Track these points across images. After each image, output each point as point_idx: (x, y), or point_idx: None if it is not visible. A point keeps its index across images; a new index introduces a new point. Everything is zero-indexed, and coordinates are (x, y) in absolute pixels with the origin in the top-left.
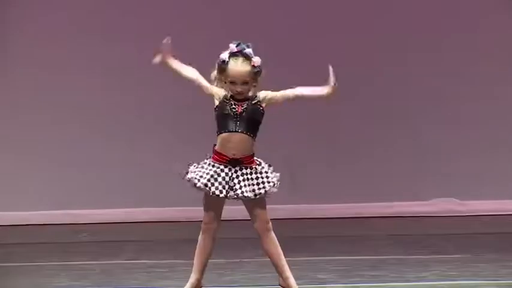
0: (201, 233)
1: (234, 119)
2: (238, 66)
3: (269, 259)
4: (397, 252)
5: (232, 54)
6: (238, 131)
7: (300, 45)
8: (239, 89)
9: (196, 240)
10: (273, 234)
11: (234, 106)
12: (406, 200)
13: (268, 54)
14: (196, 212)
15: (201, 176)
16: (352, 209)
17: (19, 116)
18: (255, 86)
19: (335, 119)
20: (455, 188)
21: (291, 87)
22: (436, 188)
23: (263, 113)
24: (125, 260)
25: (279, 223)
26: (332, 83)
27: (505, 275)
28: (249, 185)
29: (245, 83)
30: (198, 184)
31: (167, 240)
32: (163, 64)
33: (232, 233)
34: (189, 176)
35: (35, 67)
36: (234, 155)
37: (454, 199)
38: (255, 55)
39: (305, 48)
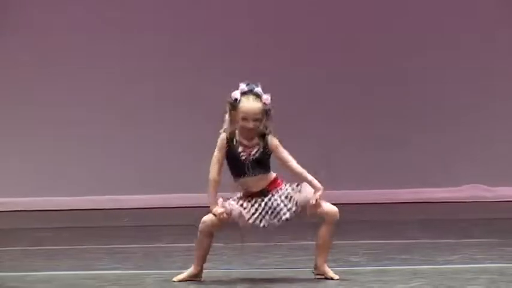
0: (200, 232)
1: (246, 165)
2: (250, 103)
3: (315, 242)
4: (426, 237)
5: (244, 93)
6: (252, 175)
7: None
8: (251, 125)
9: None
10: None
11: (242, 154)
12: (435, 186)
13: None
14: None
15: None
16: (383, 195)
17: (65, 110)
18: (266, 122)
19: (367, 107)
20: (484, 174)
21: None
22: (465, 175)
23: (270, 154)
24: (165, 243)
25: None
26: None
27: None
28: (285, 205)
29: (256, 119)
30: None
31: None
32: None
33: None
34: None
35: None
36: (260, 190)
37: (482, 185)
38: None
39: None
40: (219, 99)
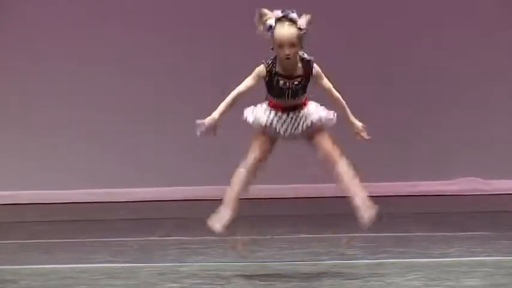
0: (245, 169)
1: (286, 93)
2: (285, 30)
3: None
4: (422, 230)
5: (278, 19)
6: (290, 99)
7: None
8: (287, 51)
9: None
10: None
11: (283, 86)
12: (431, 179)
13: None
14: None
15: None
16: (379, 188)
17: (59, 100)
18: (302, 48)
19: (361, 101)
20: (480, 168)
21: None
22: (461, 168)
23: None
24: (159, 237)
25: (304, 202)
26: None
27: None
28: (303, 122)
29: (292, 45)
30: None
31: (199, 218)
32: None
33: (264, 211)
34: (250, 118)
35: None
36: (289, 105)
37: (479, 178)
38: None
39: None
40: (216, 94)
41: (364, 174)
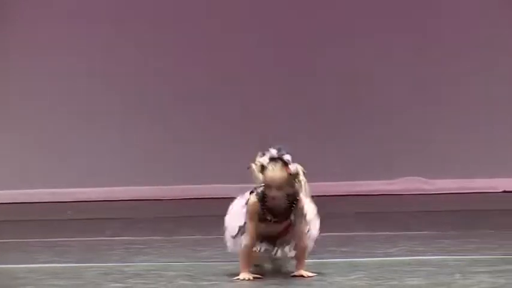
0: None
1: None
2: (275, 172)
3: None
4: (365, 229)
5: (272, 159)
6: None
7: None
8: (273, 193)
9: (174, 218)
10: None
11: (271, 224)
12: (373, 179)
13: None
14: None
15: None
16: (320, 188)
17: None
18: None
19: (303, 98)
20: (422, 167)
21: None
22: (403, 167)
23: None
24: (106, 237)
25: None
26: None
27: (470, 250)
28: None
29: (280, 188)
30: None
31: (147, 218)
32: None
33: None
34: None
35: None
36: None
37: (421, 178)
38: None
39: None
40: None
41: (308, 174)
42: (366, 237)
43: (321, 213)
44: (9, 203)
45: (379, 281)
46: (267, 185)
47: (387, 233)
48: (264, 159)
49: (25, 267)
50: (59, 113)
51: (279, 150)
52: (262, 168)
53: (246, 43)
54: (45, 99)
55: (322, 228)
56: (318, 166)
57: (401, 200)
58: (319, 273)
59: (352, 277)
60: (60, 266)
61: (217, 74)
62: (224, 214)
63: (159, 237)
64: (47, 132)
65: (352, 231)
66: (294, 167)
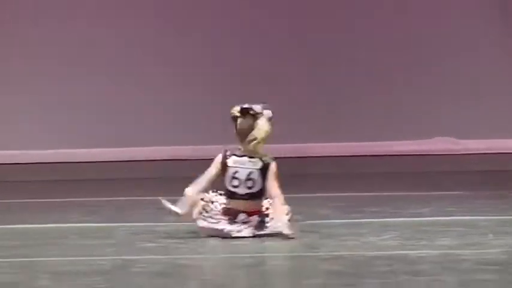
0: None
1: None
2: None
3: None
4: (396, 189)
5: (242, 112)
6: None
7: None
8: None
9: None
10: None
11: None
12: (405, 139)
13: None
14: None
15: None
16: (352, 148)
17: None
18: (259, 143)
19: (337, 57)
20: (452, 127)
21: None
22: (434, 127)
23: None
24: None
25: (278, 161)
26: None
27: (500, 210)
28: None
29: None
30: None
31: (178, 178)
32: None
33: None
34: None
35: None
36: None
37: (451, 137)
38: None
39: None
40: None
41: (338, 134)
42: (397, 198)
43: (355, 173)
44: (34, 163)
45: (410, 241)
46: (239, 135)
47: (419, 193)
48: (234, 111)
49: (57, 226)
50: (98, 74)
51: (248, 105)
52: (235, 119)
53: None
54: (83, 64)
55: (353, 189)
56: (350, 126)
57: (432, 160)
58: (352, 233)
59: (385, 237)
60: (91, 226)
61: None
62: None
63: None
64: (77, 93)
65: (383, 192)
66: (266, 112)
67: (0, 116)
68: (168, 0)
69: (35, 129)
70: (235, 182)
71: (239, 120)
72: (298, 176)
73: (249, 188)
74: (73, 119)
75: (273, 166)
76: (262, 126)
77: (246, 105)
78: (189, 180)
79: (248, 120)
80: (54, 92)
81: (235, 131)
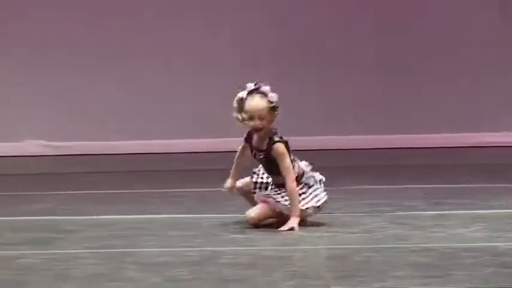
0: None
1: (263, 164)
2: (254, 101)
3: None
4: (485, 181)
5: (250, 92)
6: (268, 174)
7: None
8: (254, 122)
9: None
10: None
11: (255, 156)
12: (492, 131)
13: None
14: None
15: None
16: (441, 140)
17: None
18: (271, 122)
19: (419, 47)
20: None
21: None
22: None
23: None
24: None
25: (361, 152)
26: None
27: None
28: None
29: (261, 118)
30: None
31: None
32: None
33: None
34: None
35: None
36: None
37: None
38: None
39: None
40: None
41: (426, 126)
42: (485, 189)
43: (444, 165)
44: (119, 153)
45: (498, 233)
46: (250, 117)
47: (503, 185)
48: (242, 93)
49: (142, 217)
50: (168, 62)
51: (255, 84)
52: (241, 101)
53: None
54: (157, 50)
55: (441, 180)
56: (441, 118)
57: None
58: (440, 225)
59: (473, 229)
60: (176, 217)
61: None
62: (342, 166)
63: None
64: (159, 83)
65: (472, 183)
66: (272, 95)
67: (81, 107)
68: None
69: (115, 121)
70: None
71: (248, 99)
72: (387, 167)
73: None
74: (151, 110)
75: (276, 147)
76: (257, 103)
77: (252, 86)
78: None
79: (256, 99)
80: (130, 82)
81: (240, 117)
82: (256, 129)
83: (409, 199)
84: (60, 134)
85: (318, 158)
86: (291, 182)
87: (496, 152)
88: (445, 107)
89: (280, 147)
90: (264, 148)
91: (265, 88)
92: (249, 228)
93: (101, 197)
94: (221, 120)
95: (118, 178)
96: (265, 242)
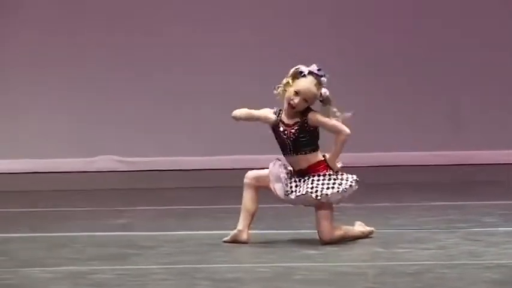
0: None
1: (287, 143)
2: (309, 83)
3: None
4: None
5: (310, 73)
6: (293, 155)
7: None
8: (296, 100)
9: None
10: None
11: (284, 131)
12: None
13: None
14: None
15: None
16: (473, 156)
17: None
18: (309, 109)
19: (464, 65)
20: None
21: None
22: None
23: (313, 129)
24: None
25: (441, 169)
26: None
27: None
28: (312, 187)
29: (305, 100)
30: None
31: None
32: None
33: (395, 178)
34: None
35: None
36: (299, 169)
37: None
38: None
39: None
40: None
41: (496, 141)
42: None
43: (474, 180)
44: (198, 169)
45: None
46: (295, 91)
47: None
48: (305, 69)
49: (216, 233)
50: (244, 76)
51: (319, 69)
52: (299, 74)
53: None
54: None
55: (485, 196)
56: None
57: None
58: (485, 241)
59: None
60: (252, 233)
61: None
62: (411, 182)
63: (349, 205)
64: (235, 99)
65: None
66: (325, 90)
67: (140, 124)
68: None
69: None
70: None
71: (306, 78)
72: (463, 183)
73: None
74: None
75: (312, 114)
76: (312, 87)
77: (315, 68)
78: None
79: (313, 82)
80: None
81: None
82: (292, 106)
83: (486, 215)
84: (133, 149)
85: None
86: (343, 135)
87: None
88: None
89: (316, 113)
90: (298, 120)
91: (324, 80)
92: (320, 244)
93: (179, 212)
94: None
95: (196, 194)
96: (341, 258)
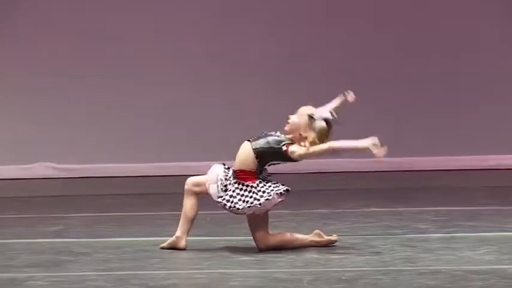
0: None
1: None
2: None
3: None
4: (493, 204)
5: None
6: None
7: None
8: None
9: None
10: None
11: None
12: (502, 153)
13: None
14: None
15: None
16: (450, 162)
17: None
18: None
19: (435, 74)
20: None
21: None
22: None
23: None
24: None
25: (381, 175)
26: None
27: None
28: (230, 196)
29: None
30: None
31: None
32: None
33: (334, 184)
34: None
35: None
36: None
37: None
38: None
39: None
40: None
41: (436, 148)
42: (494, 212)
43: (453, 187)
44: (135, 176)
45: (508, 256)
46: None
47: None
48: (328, 116)
49: (152, 240)
50: (184, 84)
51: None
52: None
53: None
54: (166, 74)
55: (451, 203)
56: (451, 140)
57: None
58: (449, 248)
59: (482, 251)
60: (189, 239)
61: None
62: (350, 188)
63: (286, 211)
64: (175, 105)
65: (481, 206)
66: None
67: (78, 132)
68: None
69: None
70: None
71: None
72: (399, 189)
73: None
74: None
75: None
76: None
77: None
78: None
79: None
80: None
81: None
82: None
83: (420, 221)
84: (74, 157)
85: (322, 181)
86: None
87: (510, 175)
88: (461, 128)
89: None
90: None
91: (319, 116)
92: (257, 251)
93: (117, 219)
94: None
95: (132, 201)
96: (276, 264)
